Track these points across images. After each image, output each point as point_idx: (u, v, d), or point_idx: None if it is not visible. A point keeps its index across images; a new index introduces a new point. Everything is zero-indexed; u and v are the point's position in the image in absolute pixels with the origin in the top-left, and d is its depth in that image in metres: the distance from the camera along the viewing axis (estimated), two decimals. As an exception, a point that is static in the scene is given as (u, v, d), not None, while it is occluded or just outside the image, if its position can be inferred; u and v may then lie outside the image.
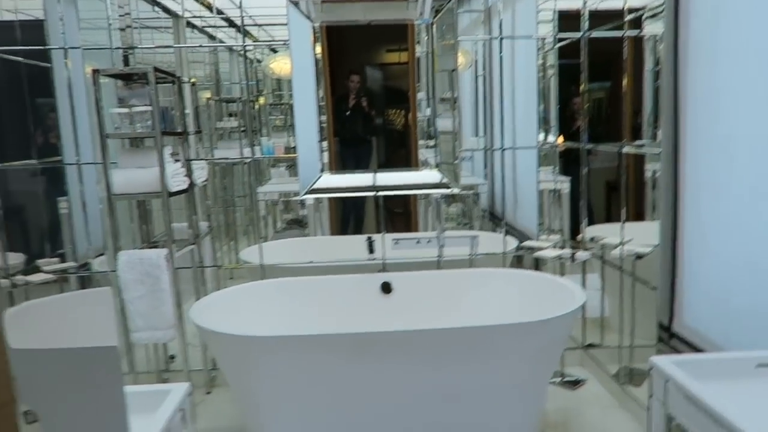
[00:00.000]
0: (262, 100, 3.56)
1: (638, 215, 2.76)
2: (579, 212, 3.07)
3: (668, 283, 2.29)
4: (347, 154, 3.09)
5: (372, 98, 3.07)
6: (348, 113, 3.05)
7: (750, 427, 0.98)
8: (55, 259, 2.74)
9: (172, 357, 3.00)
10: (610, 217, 3.01)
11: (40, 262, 2.69)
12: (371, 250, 2.69)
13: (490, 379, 2.17)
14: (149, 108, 2.43)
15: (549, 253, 2.82)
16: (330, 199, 3.23)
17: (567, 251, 2.79)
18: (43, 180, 2.95)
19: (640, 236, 2.63)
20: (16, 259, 2.63)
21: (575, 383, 2.84)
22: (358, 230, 3.27)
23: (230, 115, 3.63)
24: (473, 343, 2.10)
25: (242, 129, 3.22)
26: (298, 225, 3.70)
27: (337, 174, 3.02)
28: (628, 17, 2.62)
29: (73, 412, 0.75)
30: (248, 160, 2.97)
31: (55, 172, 2.82)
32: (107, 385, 0.79)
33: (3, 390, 0.43)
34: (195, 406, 2.61)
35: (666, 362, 1.27)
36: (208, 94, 3.51)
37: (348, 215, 3.41)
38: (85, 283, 2.78)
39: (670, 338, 2.29)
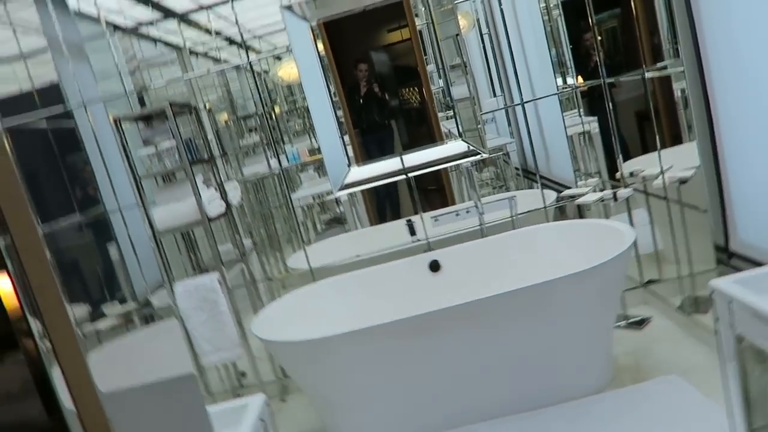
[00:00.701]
0: (277, 109, 3.60)
1: (675, 139, 2.68)
2: (613, 150, 3.00)
3: (717, 202, 2.23)
4: (370, 142, 3.11)
5: (383, 82, 3.07)
6: (362, 102, 3.06)
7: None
8: (117, 303, 2.88)
9: (243, 374, 3.10)
10: (646, 147, 2.93)
11: (104, 308, 2.83)
12: (413, 233, 2.71)
13: (554, 335, 2.17)
14: (173, 143, 2.50)
15: (590, 197, 2.77)
16: (363, 190, 3.25)
17: (608, 192, 2.74)
18: (89, 231, 3.09)
19: (680, 161, 2.56)
20: (79, 310, 2.77)
21: (641, 323, 2.80)
22: (395, 215, 3.29)
23: (250, 130, 3.69)
24: (530, 302, 2.11)
25: (265, 142, 3.28)
26: (337, 223, 3.74)
27: (365, 165, 3.05)
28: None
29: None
30: (276, 170, 3.03)
31: (99, 222, 2.95)
32: (191, 410, 0.84)
33: (98, 422, 0.48)
34: (273, 415, 2.71)
35: (726, 283, 1.25)
36: (225, 116, 3.58)
37: (383, 203, 3.43)
38: (148, 320, 2.91)
39: (729, 258, 2.23)
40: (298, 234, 3.21)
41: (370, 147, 3.10)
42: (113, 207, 2.85)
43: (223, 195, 2.80)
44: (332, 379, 2.20)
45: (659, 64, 2.60)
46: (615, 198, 2.70)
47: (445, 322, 2.10)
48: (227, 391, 3.00)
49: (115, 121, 2.49)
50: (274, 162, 3.02)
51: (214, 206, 2.62)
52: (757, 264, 2.09)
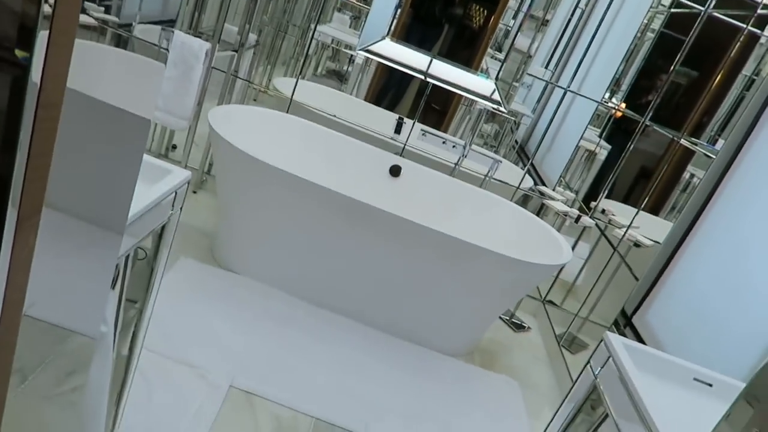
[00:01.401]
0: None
1: (656, 209, 2.76)
2: (603, 182, 3.05)
3: (651, 280, 2.34)
4: (416, 29, 2.98)
5: (462, -18, 2.91)
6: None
7: (661, 425, 1.06)
8: (101, 8, 2.70)
9: (174, 147, 3.07)
10: (630, 198, 3.00)
11: (87, 4, 2.65)
12: (397, 131, 2.68)
13: (454, 292, 2.28)
14: None
15: (557, 205, 2.83)
16: (379, 65, 3.14)
17: (575, 211, 2.81)
18: None
19: (648, 228, 2.64)
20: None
21: (519, 327, 2.98)
22: (392, 107, 3.23)
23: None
24: (455, 253, 2.18)
25: None
26: (338, 77, 3.64)
27: (399, 44, 2.93)
28: (759, 12, 2.43)
29: (94, 163, 0.79)
30: None
31: None
32: (130, 153, 0.82)
33: (56, 91, 0.45)
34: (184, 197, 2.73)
35: (618, 340, 1.34)
36: None
37: (388, 88, 3.35)
38: (120, 43, 2.75)
39: (625, 326, 2.38)
40: (300, 62, 3.09)
41: (413, 33, 2.97)
42: None
43: (259, -22, 2.62)
44: (248, 203, 2.22)
45: (694, 140, 2.61)
46: (576, 220, 2.77)
47: (374, 222, 2.14)
48: (152, 153, 2.97)
49: None
50: None
51: (245, -18, 2.45)
52: (642, 341, 2.25)
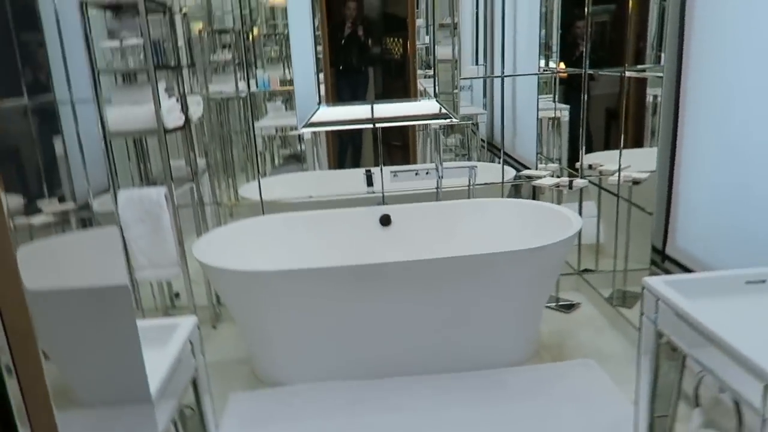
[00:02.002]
0: (256, 30, 3.45)
1: (637, 141, 2.76)
2: (578, 140, 3.06)
3: (663, 207, 2.32)
4: (344, 84, 3.04)
5: (369, 26, 2.98)
6: (344, 42, 2.97)
7: (737, 340, 1.03)
8: (55, 200, 2.76)
9: (177, 295, 3.07)
10: (609, 144, 3.00)
11: (40, 203, 2.71)
12: (370, 183, 2.71)
13: (488, 305, 2.24)
14: (140, 41, 2.37)
15: (546, 181, 2.83)
16: (328, 132, 3.20)
17: (565, 179, 2.81)
18: (36, 119, 2.91)
19: (638, 163, 2.64)
20: (14, 201, 2.64)
21: (570, 307, 2.93)
22: (356, 163, 3.27)
23: (224, 47, 3.53)
24: (472, 270, 2.16)
25: (237, 62, 3.15)
26: (296, 160, 3.69)
27: (335, 106, 2.99)
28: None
29: (90, 350, 0.79)
30: (244, 94, 2.93)
31: (48, 111, 2.79)
32: (120, 322, 0.82)
33: (22, 320, 0.46)
34: (202, 340, 2.71)
35: (658, 282, 1.32)
36: (200, 26, 3.41)
37: (346, 148, 3.40)
38: (85, 223, 2.80)
39: (663, 261, 2.34)
40: (254, 163, 3.14)
41: (343, 89, 3.04)
42: (64, 98, 2.69)
43: (184, 107, 2.70)
44: (265, 314, 2.21)
45: (639, 67, 2.64)
46: (570, 186, 2.77)
47: (386, 276, 2.13)
48: (158, 310, 2.97)
49: (81, 4, 2.33)
50: (243, 84, 2.91)
51: (173, 117, 2.52)
52: (687, 270, 2.20)
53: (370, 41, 3.00)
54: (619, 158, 2.71)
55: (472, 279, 2.17)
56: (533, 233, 2.59)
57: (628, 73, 2.67)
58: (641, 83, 2.67)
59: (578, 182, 2.78)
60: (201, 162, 2.97)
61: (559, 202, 3.12)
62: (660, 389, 1.34)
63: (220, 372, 2.49)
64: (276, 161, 3.60)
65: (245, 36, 3.06)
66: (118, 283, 0.82)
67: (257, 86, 3.12)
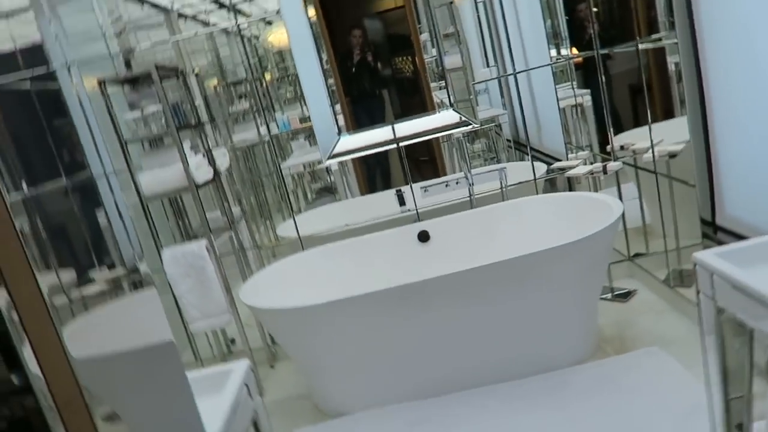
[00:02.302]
0: (268, 76, 3.54)
1: (667, 113, 2.68)
2: (605, 123, 3.00)
3: (705, 176, 2.23)
4: (361, 111, 3.08)
5: (376, 49, 3.02)
6: (354, 70, 3.02)
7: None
8: (105, 269, 2.86)
9: (233, 341, 3.12)
10: (638, 121, 2.92)
11: (92, 274, 2.82)
12: (402, 203, 2.71)
13: (540, 306, 2.20)
14: (159, 107, 2.46)
15: (580, 170, 2.78)
16: (354, 159, 3.23)
17: (598, 165, 2.74)
18: (77, 197, 3.05)
19: (671, 135, 2.56)
20: (67, 275, 2.76)
21: (626, 295, 2.84)
22: (386, 185, 3.28)
23: (240, 97, 3.63)
24: (517, 273, 2.12)
25: (255, 109, 3.23)
26: (328, 192, 3.73)
27: (356, 133, 3.03)
28: None
29: (147, 407, 0.81)
30: (266, 138, 3.00)
31: (87, 187, 2.91)
32: (171, 377, 0.84)
33: (67, 387, 0.48)
34: (261, 381, 2.74)
35: (708, 255, 1.26)
36: (215, 82, 3.52)
37: (374, 172, 3.42)
38: (136, 286, 2.90)
39: (715, 232, 2.25)
40: (287, 202, 3.19)
41: (361, 116, 3.07)
42: (99, 172, 2.81)
43: (211, 161, 2.77)
44: (319, 347, 2.22)
45: (653, 36, 2.58)
46: (605, 171, 2.71)
47: (432, 291, 2.12)
48: (216, 357, 3.02)
49: (99, 84, 2.44)
50: (264, 129, 2.99)
51: (202, 172, 2.60)
52: (741, 238, 2.11)
53: (379, 64, 3.04)
54: (650, 133, 2.63)
55: (519, 282, 2.14)
56: (574, 225, 2.53)
57: (642, 45, 2.61)
58: (660, 53, 2.60)
59: (612, 165, 2.71)
60: (236, 210, 3.04)
61: (597, 189, 3.05)
62: (731, 368, 1.28)
63: (283, 409, 2.51)
64: (309, 196, 3.66)
65: (258, 83, 3.14)
66: (164, 340, 0.85)
67: (278, 128, 3.19)
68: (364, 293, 2.09)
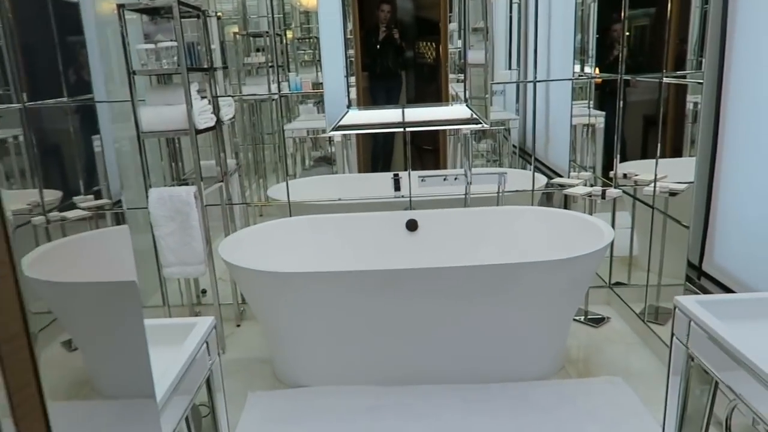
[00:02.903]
0: (290, 34, 3.48)
1: (675, 151, 2.67)
2: (613, 148, 2.98)
3: (701, 221, 2.23)
4: (376, 87, 3.04)
5: (402, 29, 2.97)
6: (378, 46, 2.97)
7: (772, 368, 0.97)
8: (91, 197, 2.82)
9: (204, 291, 3.11)
10: (646, 153, 2.91)
11: (76, 199, 2.78)
12: (397, 188, 2.69)
13: (514, 315, 2.20)
14: (174, 43, 2.41)
15: (579, 190, 2.77)
16: (358, 135, 3.20)
17: (597, 189, 2.73)
18: (76, 118, 2.99)
19: (675, 173, 2.55)
20: (52, 195, 2.71)
21: (599, 321, 2.85)
22: (386, 167, 3.25)
23: (258, 50, 3.57)
24: (498, 280, 2.12)
25: (270, 65, 3.17)
26: (326, 162, 3.70)
27: (365, 110, 2.99)
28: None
29: (101, 343, 0.79)
30: (276, 96, 2.95)
31: (88, 110, 2.86)
32: (129, 318, 0.82)
33: (12, 322, 0.45)
34: (224, 338, 2.73)
35: (691, 302, 1.26)
36: (235, 29, 3.45)
37: (376, 151, 3.39)
38: (119, 219, 2.87)
39: (699, 277, 2.26)
40: (284, 165, 3.15)
41: (374, 92, 3.03)
42: (102, 98, 2.76)
43: (216, 109, 2.73)
44: (289, 315, 2.21)
45: (679, 72, 2.55)
46: (603, 196, 2.70)
47: (412, 283, 2.11)
48: (184, 306, 3.01)
49: (118, 8, 2.38)
50: (275, 87, 2.94)
51: (204, 118, 2.55)
52: (725, 289, 2.11)
53: (403, 45, 2.98)
54: (656, 168, 2.63)
55: (499, 289, 2.14)
56: (563, 244, 2.53)
57: (666, 79, 2.59)
58: (681, 90, 2.58)
59: (611, 192, 2.70)
60: (231, 162, 3.00)
61: (592, 212, 3.05)
62: (690, 413, 1.29)
63: (241, 370, 2.51)
64: (306, 163, 3.62)
65: (279, 39, 3.08)
66: (126, 280, 0.83)
67: (289, 88, 3.15)
68: (341, 270, 2.08)
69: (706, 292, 2.19)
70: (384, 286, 2.10)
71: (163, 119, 2.46)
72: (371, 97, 3.01)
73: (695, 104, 2.47)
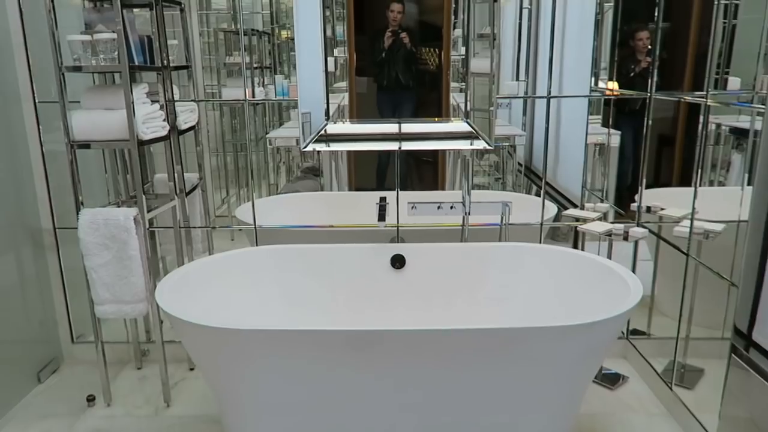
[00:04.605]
0: (284, 34, 3.09)
1: (684, 178, 2.29)
2: (627, 174, 2.59)
3: (753, 277, 1.80)
4: (377, 97, 2.65)
5: (405, 33, 2.60)
6: (381, 49, 2.58)
7: None
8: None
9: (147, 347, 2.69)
10: (659, 179, 2.52)
11: None
12: (382, 218, 2.26)
13: (517, 383, 1.77)
14: (113, 35, 1.98)
15: (596, 227, 2.34)
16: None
17: (618, 227, 2.31)
18: None
19: (705, 208, 2.14)
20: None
21: (615, 380, 2.42)
22: (381, 181, 2.83)
23: (245, 48, 3.17)
24: (499, 344, 1.69)
25: (255, 66, 2.77)
26: (314, 174, 3.29)
27: (352, 123, 2.59)
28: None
29: None
30: (255, 101, 2.57)
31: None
32: None
33: None
34: (169, 389, 2.31)
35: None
36: (224, 26, 3.05)
37: (368, 165, 2.98)
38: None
39: (747, 348, 1.82)
40: (254, 179, 2.72)
41: (372, 102, 2.65)
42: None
43: (169, 115, 2.30)
44: (236, 378, 1.77)
45: (713, 92, 2.15)
46: (626, 238, 2.27)
47: (389, 345, 1.67)
48: (130, 343, 2.59)
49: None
50: (260, 91, 2.57)
51: (152, 126, 2.13)
52: (781, 366, 1.69)
53: (412, 50, 2.61)
54: (693, 203, 2.19)
55: (499, 353, 1.70)
56: (579, 295, 2.11)
57: (694, 99, 2.20)
58: (693, 109, 2.22)
59: (635, 232, 2.27)
60: (190, 177, 2.57)
61: (609, 255, 2.62)
62: None
63: (189, 430, 2.09)
64: (294, 173, 3.19)
65: (267, 39, 2.69)
66: None
67: (275, 93, 2.76)
68: (303, 329, 1.64)
69: (756, 368, 1.76)
70: (356, 348, 1.67)
71: (99, 127, 2.04)
72: (367, 107, 2.63)
73: (718, 125, 2.08)
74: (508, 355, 1.70)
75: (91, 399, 2.27)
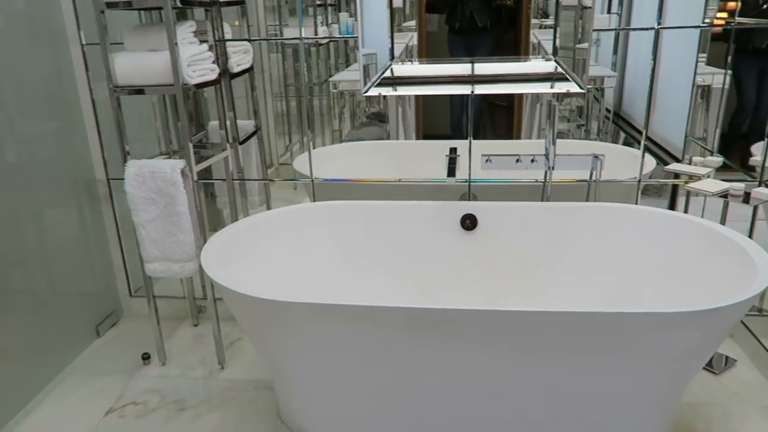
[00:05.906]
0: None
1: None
2: (741, 123, 2.19)
3: None
4: (448, 37, 2.36)
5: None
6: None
7: None
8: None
9: (201, 310, 2.59)
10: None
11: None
12: (452, 173, 1.99)
13: (609, 375, 1.51)
14: (153, -35, 1.76)
15: (709, 185, 1.97)
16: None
17: (738, 186, 1.93)
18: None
19: None
20: None
21: (720, 364, 2.10)
22: (456, 128, 2.55)
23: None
24: (592, 330, 1.42)
25: (318, 3, 2.52)
26: (378, 120, 3.05)
27: (421, 63, 2.31)
28: None
29: None
30: (325, 42, 2.32)
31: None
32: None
33: None
34: (223, 350, 2.20)
35: None
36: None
37: (441, 110, 2.71)
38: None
39: None
40: (314, 126, 2.50)
41: (442, 42, 2.35)
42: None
43: (220, 56, 2.10)
44: (289, 351, 1.61)
45: None
46: (747, 200, 1.89)
47: (457, 326, 1.45)
48: (186, 299, 2.50)
49: None
50: (324, 29, 2.33)
51: (199, 69, 1.93)
52: None
53: None
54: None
55: (591, 341, 1.44)
56: (688, 269, 1.78)
57: None
58: None
59: (759, 193, 1.89)
60: (244, 124, 2.38)
61: (724, 220, 2.24)
62: None
63: (237, 398, 1.97)
64: (358, 119, 2.96)
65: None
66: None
67: (340, 32, 2.50)
68: (358, 305, 1.44)
69: None
70: (416, 327, 1.46)
71: (142, 69, 1.85)
72: (437, 48, 2.35)
73: None
74: (604, 341, 1.43)
75: (146, 357, 2.20)
